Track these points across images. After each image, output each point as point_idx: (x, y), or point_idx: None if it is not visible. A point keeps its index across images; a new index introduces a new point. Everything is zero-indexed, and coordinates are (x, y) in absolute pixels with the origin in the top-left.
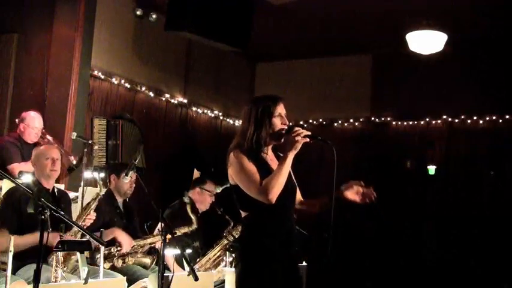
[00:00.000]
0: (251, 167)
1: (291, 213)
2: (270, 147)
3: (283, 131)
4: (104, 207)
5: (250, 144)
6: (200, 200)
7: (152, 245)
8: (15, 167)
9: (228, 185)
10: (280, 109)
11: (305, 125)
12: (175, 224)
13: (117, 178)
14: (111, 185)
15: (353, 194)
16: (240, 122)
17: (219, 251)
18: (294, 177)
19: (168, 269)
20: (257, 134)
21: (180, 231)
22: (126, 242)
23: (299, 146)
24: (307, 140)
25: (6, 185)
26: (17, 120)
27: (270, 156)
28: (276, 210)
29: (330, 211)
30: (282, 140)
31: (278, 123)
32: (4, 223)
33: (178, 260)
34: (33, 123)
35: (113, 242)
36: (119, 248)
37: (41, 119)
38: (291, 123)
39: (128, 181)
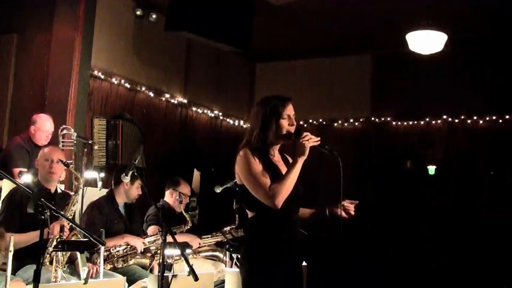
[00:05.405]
0: (259, 169)
1: (296, 215)
2: (276, 148)
3: (292, 134)
4: (105, 209)
5: (256, 143)
6: (173, 201)
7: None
8: (17, 171)
9: (229, 185)
10: (289, 110)
11: (305, 125)
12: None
13: (130, 184)
14: (117, 188)
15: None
16: (241, 122)
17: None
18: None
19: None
20: (264, 134)
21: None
22: (138, 244)
23: (307, 151)
24: (315, 144)
25: (6, 185)
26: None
27: (276, 158)
28: (282, 212)
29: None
30: (291, 141)
31: (285, 125)
32: (5, 222)
33: None
34: (44, 126)
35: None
36: (134, 251)
37: (51, 122)
38: (299, 127)
39: (128, 181)
